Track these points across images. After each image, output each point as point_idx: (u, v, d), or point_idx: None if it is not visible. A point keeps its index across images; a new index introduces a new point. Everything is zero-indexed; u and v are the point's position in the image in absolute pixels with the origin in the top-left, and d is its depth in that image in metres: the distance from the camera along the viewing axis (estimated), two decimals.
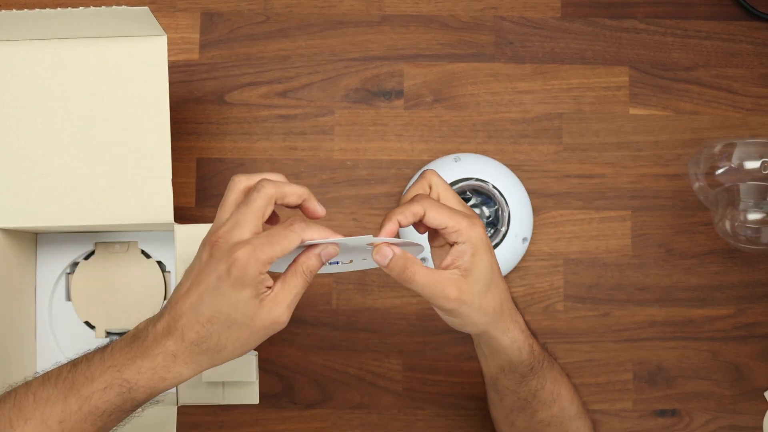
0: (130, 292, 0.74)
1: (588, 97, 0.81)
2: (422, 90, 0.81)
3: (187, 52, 0.81)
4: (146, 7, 0.61)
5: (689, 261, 0.81)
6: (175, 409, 0.65)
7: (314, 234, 0.52)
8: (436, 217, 0.54)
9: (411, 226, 0.56)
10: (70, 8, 0.62)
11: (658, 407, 0.80)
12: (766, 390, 0.73)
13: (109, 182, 0.67)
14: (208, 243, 0.51)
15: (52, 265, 0.75)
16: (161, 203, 0.66)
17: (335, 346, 0.80)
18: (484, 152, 0.81)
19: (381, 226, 0.54)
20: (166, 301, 0.56)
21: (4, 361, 0.68)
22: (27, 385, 0.52)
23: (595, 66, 0.82)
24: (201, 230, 0.66)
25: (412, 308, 0.80)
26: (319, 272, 0.53)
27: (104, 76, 0.67)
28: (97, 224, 0.67)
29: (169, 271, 0.75)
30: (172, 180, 0.66)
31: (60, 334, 0.75)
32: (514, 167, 0.80)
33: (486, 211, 0.79)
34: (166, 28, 0.71)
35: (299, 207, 0.55)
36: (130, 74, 0.67)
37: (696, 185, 0.77)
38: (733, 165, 0.75)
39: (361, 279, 0.80)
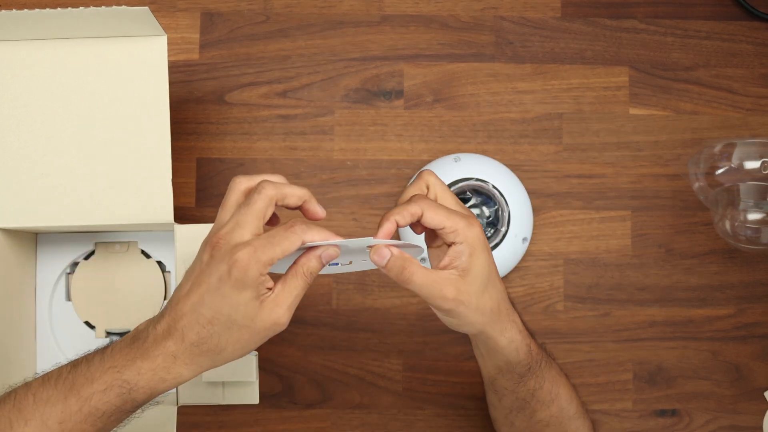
0: (130, 292, 0.74)
1: (588, 97, 0.81)
2: (422, 90, 0.81)
3: (187, 52, 0.81)
4: (146, 7, 0.61)
5: (689, 261, 0.81)
6: (175, 409, 0.65)
7: (315, 236, 0.52)
8: (433, 218, 0.54)
9: (408, 227, 0.56)
10: (70, 8, 0.62)
11: (658, 407, 0.80)
12: (766, 390, 0.73)
13: (109, 182, 0.67)
14: (208, 244, 0.51)
15: (52, 265, 0.75)
16: (161, 203, 0.66)
17: (335, 346, 0.80)
18: (484, 152, 0.81)
19: (379, 226, 0.54)
20: (166, 302, 0.56)
21: (4, 361, 0.68)
22: (27, 386, 0.52)
23: (595, 66, 0.82)
24: (201, 230, 0.66)
25: (412, 308, 0.80)
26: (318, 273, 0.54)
27: (104, 76, 0.67)
28: (97, 224, 0.67)
29: (169, 272, 0.75)
30: (172, 180, 0.66)
31: (60, 334, 0.75)
32: (514, 167, 0.80)
33: (486, 211, 0.78)
34: (166, 28, 0.71)
35: (299, 208, 0.55)
36: (130, 74, 0.67)
37: (696, 185, 0.77)
38: (733, 165, 0.75)
39: (361, 279, 0.80)
